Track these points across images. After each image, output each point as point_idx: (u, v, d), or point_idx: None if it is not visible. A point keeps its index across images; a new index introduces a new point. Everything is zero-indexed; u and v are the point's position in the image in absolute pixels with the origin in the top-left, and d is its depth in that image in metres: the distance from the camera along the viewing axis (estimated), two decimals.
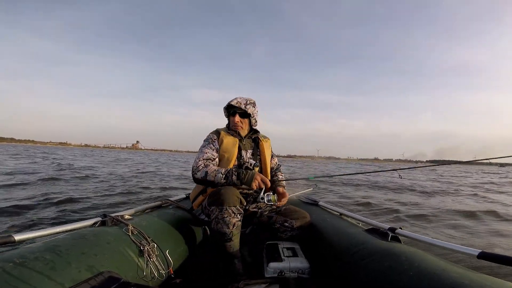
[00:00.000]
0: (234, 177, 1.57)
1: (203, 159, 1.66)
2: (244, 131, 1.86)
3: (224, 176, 1.57)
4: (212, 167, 1.62)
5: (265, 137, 1.96)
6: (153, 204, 1.84)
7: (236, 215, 1.48)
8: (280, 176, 2.01)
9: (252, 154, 1.84)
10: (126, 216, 1.38)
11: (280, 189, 1.81)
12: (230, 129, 1.85)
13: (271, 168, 1.98)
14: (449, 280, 0.82)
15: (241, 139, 1.83)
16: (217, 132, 1.80)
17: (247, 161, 1.79)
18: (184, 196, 2.42)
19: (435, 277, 0.86)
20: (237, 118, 1.80)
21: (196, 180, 1.64)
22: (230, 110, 1.84)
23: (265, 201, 1.63)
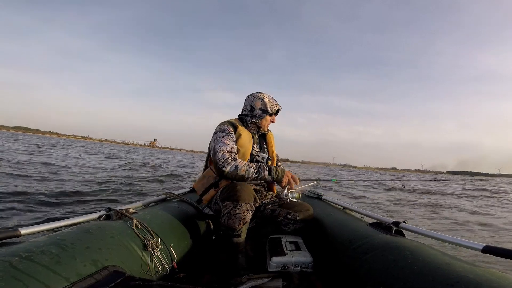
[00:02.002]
0: (266, 173, 1.60)
1: (228, 151, 1.61)
2: None
3: (256, 171, 1.58)
4: (241, 161, 1.60)
5: (269, 130, 1.97)
6: (157, 197, 1.85)
7: (249, 212, 1.49)
8: (282, 167, 2.04)
9: (260, 148, 1.86)
10: (131, 210, 1.39)
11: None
12: (245, 121, 1.83)
13: (275, 160, 2.01)
14: (454, 274, 0.82)
15: (255, 133, 1.84)
16: (232, 125, 1.74)
17: (258, 154, 1.79)
18: (188, 189, 2.42)
19: (439, 271, 0.86)
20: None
21: (224, 173, 1.57)
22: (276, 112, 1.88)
23: (289, 198, 1.65)
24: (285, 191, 1.65)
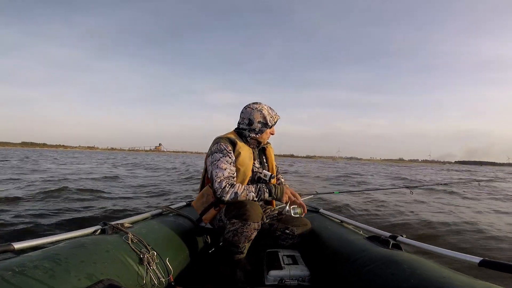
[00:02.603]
0: (266, 195, 1.56)
1: (225, 178, 1.52)
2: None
3: (256, 194, 1.53)
4: (239, 186, 1.53)
5: (268, 142, 1.89)
6: (153, 212, 1.83)
7: (255, 231, 1.48)
8: (283, 180, 2.01)
9: (260, 163, 1.78)
10: (126, 224, 1.38)
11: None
12: (244, 136, 1.71)
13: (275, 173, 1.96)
14: None
15: (255, 148, 1.76)
16: (231, 142, 1.62)
17: (260, 171, 1.72)
18: (185, 203, 2.40)
19: (436, 284, 0.86)
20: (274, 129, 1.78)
21: (224, 202, 1.53)
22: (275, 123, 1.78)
23: (291, 214, 1.64)
24: (287, 207, 1.64)
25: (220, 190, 1.48)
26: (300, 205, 1.69)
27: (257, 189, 1.54)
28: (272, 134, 1.77)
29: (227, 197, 1.48)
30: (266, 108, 1.71)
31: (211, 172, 1.57)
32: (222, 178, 1.51)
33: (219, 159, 1.56)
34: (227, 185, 1.50)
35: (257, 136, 1.71)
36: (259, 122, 1.68)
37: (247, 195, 1.50)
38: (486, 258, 0.99)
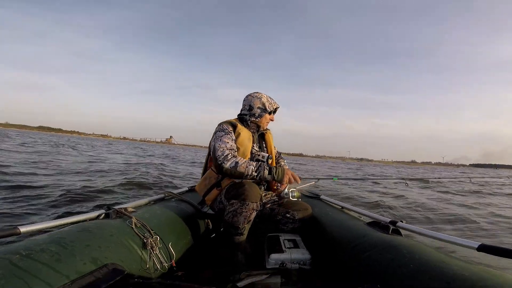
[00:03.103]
0: (265, 172, 1.58)
1: (228, 149, 1.61)
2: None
3: (256, 169, 1.57)
4: (241, 158, 1.60)
5: (267, 128, 1.98)
6: (156, 196, 1.85)
7: (254, 211, 1.51)
8: (283, 163, 2.09)
9: (259, 147, 1.86)
10: (130, 209, 1.39)
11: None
12: (245, 121, 1.83)
13: (275, 157, 2.02)
14: (450, 273, 0.83)
15: (255, 132, 1.84)
16: (232, 124, 1.74)
17: (259, 153, 1.79)
18: (187, 188, 2.42)
19: (435, 269, 0.87)
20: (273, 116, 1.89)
21: (223, 169, 1.56)
22: (274, 111, 1.89)
23: (290, 197, 1.66)
24: (286, 190, 1.66)
25: (222, 157, 1.56)
26: (299, 189, 1.76)
27: (258, 165, 1.59)
28: (271, 120, 1.88)
29: (227, 165, 1.54)
30: (265, 96, 1.85)
31: (214, 145, 1.63)
32: (224, 148, 1.60)
33: (222, 136, 1.66)
34: (230, 153, 1.58)
35: (257, 120, 1.83)
36: (258, 107, 1.81)
37: (247, 167, 1.55)
38: (485, 243, 1.01)
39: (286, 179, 1.64)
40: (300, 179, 1.76)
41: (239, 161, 1.56)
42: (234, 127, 1.73)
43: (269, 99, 1.84)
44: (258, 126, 1.85)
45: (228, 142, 1.63)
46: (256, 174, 1.57)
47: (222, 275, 1.37)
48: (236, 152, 1.66)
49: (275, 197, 1.87)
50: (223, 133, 1.68)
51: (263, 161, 1.74)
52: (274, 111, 1.89)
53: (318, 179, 2.27)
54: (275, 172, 1.61)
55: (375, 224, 1.43)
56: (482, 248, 1.00)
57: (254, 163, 1.59)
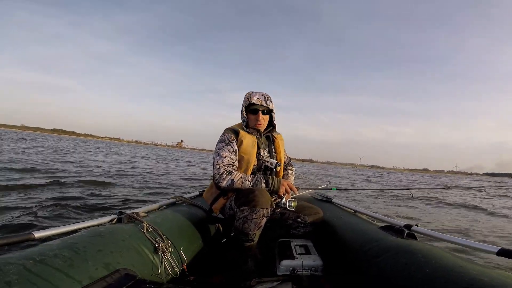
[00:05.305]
0: (263, 185, 1.58)
1: (224, 165, 1.60)
2: (263, 128, 1.80)
3: (252, 183, 1.57)
4: (237, 174, 1.59)
5: (278, 133, 1.93)
6: (167, 201, 1.86)
7: (265, 217, 1.50)
8: (290, 171, 2.05)
9: (269, 152, 1.82)
10: (141, 214, 1.40)
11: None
12: (248, 126, 1.77)
13: (284, 163, 1.99)
14: (468, 277, 0.80)
15: (259, 136, 1.78)
16: (234, 132, 1.70)
17: (267, 160, 1.76)
18: (198, 193, 2.43)
19: (453, 273, 0.84)
20: (261, 116, 1.72)
21: (221, 188, 1.60)
22: (250, 107, 1.73)
23: (287, 207, 1.65)
24: (283, 200, 1.65)
25: (218, 176, 1.57)
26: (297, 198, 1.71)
27: (254, 179, 1.58)
28: (258, 120, 1.73)
29: (224, 183, 1.56)
30: (249, 93, 1.74)
31: (213, 160, 1.66)
32: (221, 165, 1.60)
33: (221, 148, 1.66)
34: (225, 171, 1.58)
35: (246, 121, 1.75)
36: (243, 107, 1.75)
37: (243, 183, 1.56)
38: (504, 247, 0.97)
39: (282, 190, 1.63)
40: (297, 189, 1.75)
41: (234, 178, 1.56)
42: (237, 134, 1.69)
43: (251, 95, 1.71)
44: (258, 129, 1.78)
45: (225, 157, 1.62)
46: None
47: (233, 281, 1.36)
48: (235, 166, 1.65)
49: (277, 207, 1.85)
50: (223, 144, 1.66)
51: (272, 168, 1.72)
52: (254, 111, 1.72)
53: (316, 188, 2.26)
54: (271, 184, 1.60)
55: (389, 228, 1.39)
56: (502, 253, 0.96)
57: (250, 177, 1.59)
